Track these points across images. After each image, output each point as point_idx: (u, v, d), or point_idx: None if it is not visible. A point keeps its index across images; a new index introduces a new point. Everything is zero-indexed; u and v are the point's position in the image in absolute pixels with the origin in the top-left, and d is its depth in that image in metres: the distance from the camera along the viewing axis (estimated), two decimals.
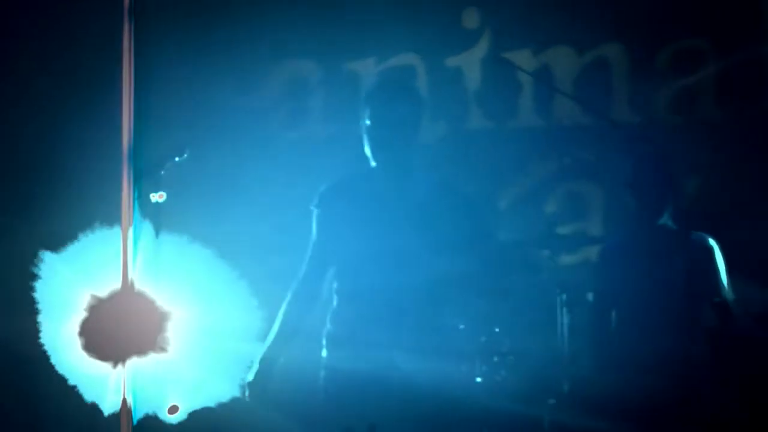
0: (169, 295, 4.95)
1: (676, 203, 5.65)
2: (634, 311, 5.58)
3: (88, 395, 5.34)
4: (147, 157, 4.86)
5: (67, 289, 5.26)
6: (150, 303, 4.87)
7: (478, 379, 5.30)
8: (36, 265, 5.59)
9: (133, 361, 4.78)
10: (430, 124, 5.37)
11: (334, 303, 5.09)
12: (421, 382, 4.88)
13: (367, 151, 5.02)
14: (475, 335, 5.33)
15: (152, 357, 4.86)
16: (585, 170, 6.56)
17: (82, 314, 5.07)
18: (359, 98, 5.33)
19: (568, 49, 6.67)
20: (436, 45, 6.80)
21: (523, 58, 6.58)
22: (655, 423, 5.30)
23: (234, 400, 5.34)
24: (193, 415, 5.28)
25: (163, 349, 4.92)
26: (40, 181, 6.45)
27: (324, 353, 5.08)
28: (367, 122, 5.00)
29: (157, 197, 4.84)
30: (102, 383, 5.10)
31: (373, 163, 5.03)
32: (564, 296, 5.60)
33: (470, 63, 6.79)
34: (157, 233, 4.83)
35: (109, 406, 5.15)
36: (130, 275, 4.74)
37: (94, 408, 5.30)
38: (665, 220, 5.63)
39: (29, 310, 5.53)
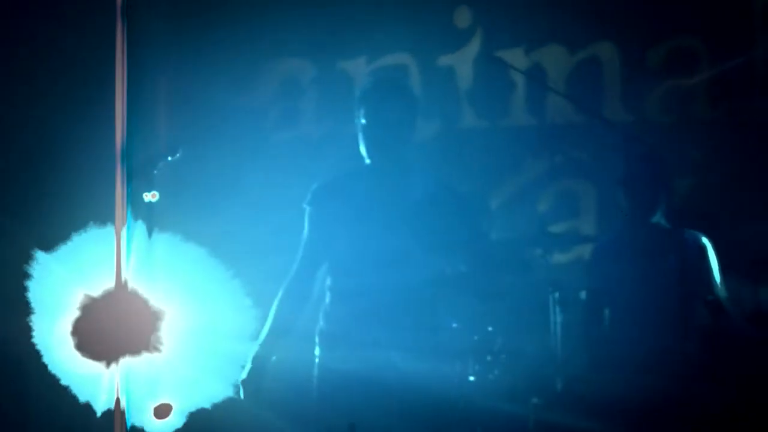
0: (162, 295, 4.94)
1: (669, 202, 5.66)
2: (627, 309, 5.58)
3: (82, 395, 5.32)
4: (140, 157, 4.85)
5: (60, 288, 5.24)
6: (143, 302, 4.86)
7: (471, 378, 5.30)
8: (29, 265, 5.57)
9: (127, 361, 4.77)
10: (422, 124, 5.37)
11: (327, 300, 5.09)
12: (413, 381, 4.88)
13: (362, 150, 5.02)
14: (468, 334, 5.33)
15: (146, 356, 4.85)
16: (578, 169, 6.57)
17: (75, 314, 5.06)
18: (352, 97, 5.33)
19: (560, 48, 6.69)
20: (428, 44, 6.81)
21: (515, 57, 6.59)
22: (648, 421, 5.31)
23: (227, 400, 5.33)
24: (186, 415, 5.28)
25: (156, 349, 4.91)
26: (33, 181, 6.43)
27: (317, 351, 5.07)
28: (363, 121, 5.00)
29: (150, 197, 4.83)
30: (95, 383, 5.09)
31: (367, 161, 5.03)
32: (557, 295, 5.60)
33: (462, 62, 6.81)
34: (150, 233, 4.82)
35: (102, 405, 5.14)
36: (124, 275, 4.73)
37: (88, 408, 5.29)
38: (658, 218, 5.64)
39: (22, 309, 5.51)
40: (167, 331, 4.96)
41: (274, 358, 5.06)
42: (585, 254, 6.18)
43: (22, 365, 5.94)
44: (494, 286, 5.30)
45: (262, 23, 6.74)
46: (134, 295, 4.81)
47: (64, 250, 5.49)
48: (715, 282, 5.56)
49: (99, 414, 5.17)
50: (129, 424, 4.72)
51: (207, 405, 5.42)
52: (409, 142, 5.04)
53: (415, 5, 6.71)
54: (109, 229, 4.81)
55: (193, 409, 5.32)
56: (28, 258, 5.59)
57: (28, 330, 5.49)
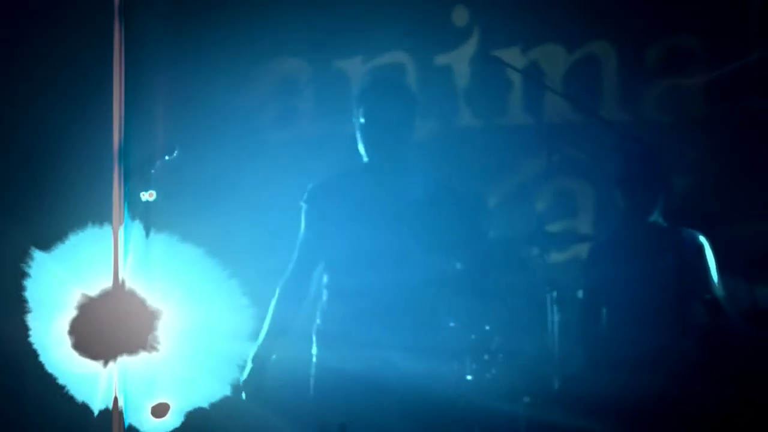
0: (159, 294, 4.94)
1: (667, 201, 5.66)
2: (624, 308, 5.58)
3: (79, 394, 5.33)
4: (137, 156, 4.85)
5: (58, 287, 5.24)
6: (140, 302, 4.86)
7: (469, 377, 5.31)
8: (26, 264, 5.58)
9: (124, 360, 4.77)
10: (419, 123, 5.37)
11: (324, 298, 5.09)
12: (411, 380, 4.88)
13: (361, 149, 5.02)
14: (465, 333, 5.34)
15: (143, 356, 4.85)
16: (575, 168, 6.57)
17: (73, 313, 5.06)
18: (348, 96, 5.33)
19: (557, 47, 6.69)
20: (426, 43, 6.81)
21: (512, 56, 6.60)
22: (645, 419, 5.31)
23: (225, 399, 5.33)
24: (184, 414, 5.28)
25: (154, 348, 4.91)
26: (30, 180, 6.43)
27: (314, 350, 5.07)
28: (362, 120, 5.00)
29: (148, 196, 4.83)
30: (93, 382, 5.09)
31: (366, 159, 5.02)
32: (554, 294, 5.62)
33: (459, 61, 6.80)
34: (147, 232, 4.82)
35: (99, 404, 5.14)
36: (121, 274, 4.73)
37: (85, 407, 5.29)
38: (655, 217, 5.64)
39: (19, 308, 5.51)
40: (164, 331, 4.96)
41: (273, 357, 5.06)
42: (582, 253, 6.18)
43: (20, 364, 5.93)
44: (492, 285, 5.31)
45: (258, 23, 6.74)
46: (131, 294, 4.81)
47: (61, 249, 5.49)
48: (713, 281, 5.56)
49: (96, 413, 5.17)
50: (126, 424, 4.72)
51: (204, 404, 5.43)
52: (407, 141, 5.03)
53: (412, 4, 6.71)
54: (107, 229, 4.81)
55: (190, 408, 5.33)
56: (25, 257, 5.60)
57: (25, 329, 5.49)
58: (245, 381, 4.99)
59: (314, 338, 5.07)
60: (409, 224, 4.96)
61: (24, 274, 5.58)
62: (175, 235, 5.53)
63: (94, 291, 4.97)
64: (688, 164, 6.36)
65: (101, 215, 5.00)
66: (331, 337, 5.03)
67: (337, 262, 5.05)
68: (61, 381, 5.37)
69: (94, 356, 4.99)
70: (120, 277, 4.73)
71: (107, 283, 4.78)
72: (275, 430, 5.52)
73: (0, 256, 6.15)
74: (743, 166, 6.27)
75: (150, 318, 4.90)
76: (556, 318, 5.56)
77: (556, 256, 6.14)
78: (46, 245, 5.54)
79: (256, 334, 5.08)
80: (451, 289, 5.10)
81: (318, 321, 5.08)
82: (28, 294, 5.54)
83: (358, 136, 5.02)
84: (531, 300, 5.66)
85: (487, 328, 5.42)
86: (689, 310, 5.51)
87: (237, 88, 6.84)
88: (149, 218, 4.82)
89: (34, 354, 5.47)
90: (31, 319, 5.50)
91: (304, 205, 5.12)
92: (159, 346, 4.94)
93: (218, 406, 5.42)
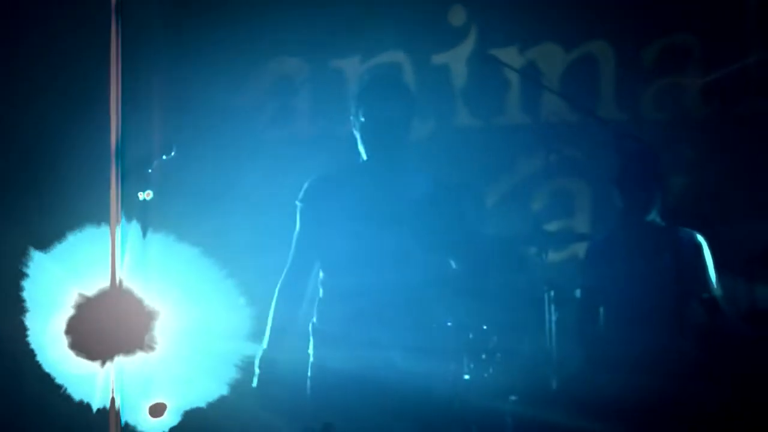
0: (156, 294, 4.94)
1: (664, 200, 5.66)
2: (622, 308, 5.58)
3: (76, 393, 5.33)
4: (134, 156, 4.84)
5: (55, 287, 5.24)
6: (138, 301, 4.85)
7: (466, 377, 5.30)
8: (24, 264, 5.58)
9: (121, 360, 4.77)
10: (417, 122, 5.36)
11: (320, 295, 5.08)
12: (408, 379, 4.87)
13: (361, 148, 5.01)
14: (463, 332, 5.32)
15: (140, 355, 4.85)
16: (572, 167, 6.56)
17: (70, 312, 5.06)
18: (345, 96, 5.32)
19: (554, 47, 6.69)
20: (423, 42, 6.81)
21: (509, 56, 6.59)
22: (644, 419, 5.30)
23: (222, 399, 5.33)
24: (181, 413, 5.28)
25: (151, 348, 4.91)
26: (28, 180, 6.43)
27: (311, 349, 5.06)
28: (362, 119, 4.99)
29: (145, 195, 4.82)
30: (90, 381, 5.09)
31: (364, 158, 5.02)
32: (552, 293, 5.60)
33: (457, 60, 6.80)
34: (144, 232, 4.82)
35: (97, 404, 5.14)
36: (118, 273, 4.73)
37: (82, 406, 5.29)
38: (653, 216, 5.64)
39: (17, 308, 5.51)
40: (162, 330, 4.96)
41: (274, 358, 5.05)
42: (580, 253, 6.18)
43: (17, 363, 5.94)
44: (489, 285, 5.31)
45: (256, 22, 6.74)
46: (129, 294, 4.80)
47: (58, 248, 5.50)
48: (711, 280, 5.56)
49: (94, 412, 5.17)
50: (123, 423, 4.72)
51: (201, 404, 5.43)
52: (405, 141, 5.02)
53: (410, 4, 6.72)
54: (104, 228, 4.81)
55: (187, 407, 5.33)
56: (23, 256, 5.60)
57: (23, 328, 5.50)
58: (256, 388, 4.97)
59: (311, 337, 5.06)
60: (406, 223, 4.95)
61: (22, 274, 5.59)
62: (172, 235, 5.54)
63: (91, 291, 4.97)
64: (685, 164, 6.36)
65: (98, 215, 5.00)
66: (328, 337, 5.02)
67: (334, 262, 5.04)
68: (58, 380, 5.37)
69: (91, 356, 4.98)
70: (117, 277, 4.73)
71: (104, 283, 4.78)
72: (272, 429, 5.52)
73: None
74: (741, 165, 6.27)
75: (147, 317, 4.89)
76: (554, 317, 5.56)
77: (553, 256, 6.13)
78: (43, 245, 5.55)
79: (253, 334, 5.08)
80: (448, 289, 5.10)
81: (314, 319, 5.07)
82: (26, 293, 5.55)
83: (357, 135, 5.01)
84: (529, 299, 5.65)
85: (485, 327, 5.41)
86: (687, 309, 5.51)
87: (234, 88, 6.84)
88: (146, 218, 4.81)
89: (32, 353, 5.48)
90: (29, 319, 5.51)
91: (299, 204, 5.11)
92: (156, 346, 4.93)
93: (215, 406, 5.42)
